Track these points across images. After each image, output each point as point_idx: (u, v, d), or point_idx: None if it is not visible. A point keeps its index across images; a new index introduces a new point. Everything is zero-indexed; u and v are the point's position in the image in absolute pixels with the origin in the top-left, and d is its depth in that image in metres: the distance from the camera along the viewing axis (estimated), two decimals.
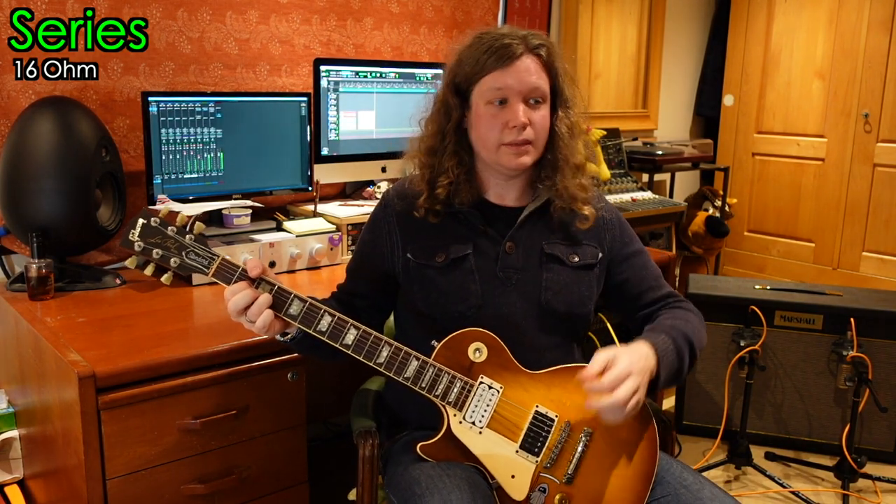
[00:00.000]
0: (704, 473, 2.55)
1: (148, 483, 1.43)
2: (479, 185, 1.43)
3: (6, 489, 1.85)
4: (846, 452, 2.43)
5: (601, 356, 1.25)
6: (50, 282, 1.74)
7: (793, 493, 2.45)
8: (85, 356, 1.39)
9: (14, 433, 1.86)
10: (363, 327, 1.27)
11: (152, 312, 1.64)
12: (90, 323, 1.59)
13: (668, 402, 2.96)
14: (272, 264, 1.97)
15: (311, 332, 1.26)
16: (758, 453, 2.63)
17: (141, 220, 1.25)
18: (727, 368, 2.59)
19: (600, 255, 1.45)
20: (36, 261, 1.72)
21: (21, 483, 1.87)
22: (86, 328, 1.56)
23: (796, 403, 2.72)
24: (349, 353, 1.27)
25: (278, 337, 1.32)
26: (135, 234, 1.25)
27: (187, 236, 1.25)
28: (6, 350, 1.84)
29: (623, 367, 1.22)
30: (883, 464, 2.64)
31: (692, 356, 1.39)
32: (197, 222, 1.27)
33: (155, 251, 1.25)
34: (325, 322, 1.26)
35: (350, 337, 1.27)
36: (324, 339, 1.27)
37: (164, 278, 1.28)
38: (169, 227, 1.25)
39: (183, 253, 1.25)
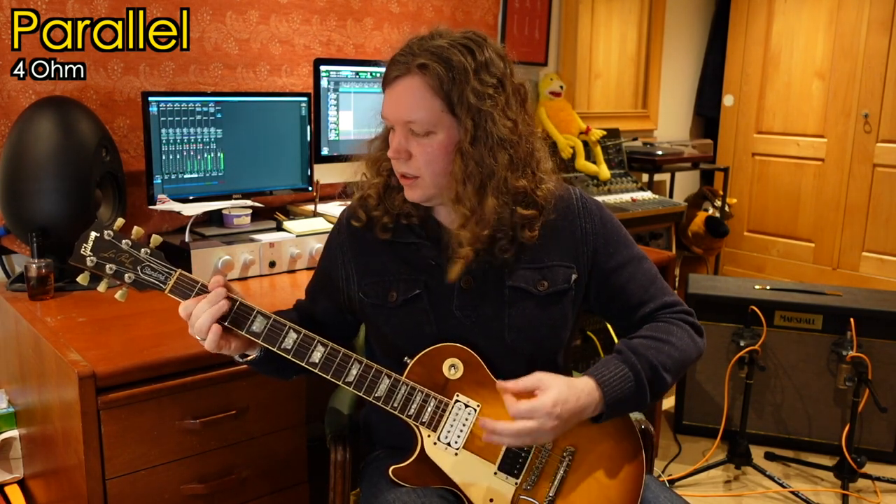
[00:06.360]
0: (704, 473, 2.56)
1: (148, 483, 1.43)
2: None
3: (6, 489, 1.85)
4: (846, 452, 2.44)
5: (534, 379, 1.16)
6: (50, 282, 1.74)
7: (792, 493, 2.45)
8: (85, 356, 1.39)
9: (14, 433, 1.86)
10: (331, 344, 1.20)
11: (152, 312, 1.64)
12: (90, 323, 1.59)
13: (669, 402, 2.97)
14: (272, 264, 1.97)
15: (275, 350, 1.19)
16: (757, 453, 2.64)
17: (93, 234, 1.17)
18: (727, 368, 2.59)
19: (574, 276, 1.28)
20: (36, 261, 1.72)
21: (21, 483, 1.87)
22: (86, 328, 1.56)
23: (796, 403, 2.72)
24: (316, 371, 1.21)
25: (237, 358, 1.25)
26: (87, 249, 1.17)
27: (143, 250, 1.18)
28: (6, 350, 1.84)
29: (542, 405, 1.12)
30: (883, 464, 2.64)
31: (660, 383, 1.23)
32: (154, 235, 1.20)
33: (108, 266, 1.17)
34: (290, 340, 1.19)
35: (317, 355, 1.20)
36: (289, 357, 1.20)
37: (119, 295, 1.21)
38: (123, 241, 1.18)
39: (138, 268, 1.18)
